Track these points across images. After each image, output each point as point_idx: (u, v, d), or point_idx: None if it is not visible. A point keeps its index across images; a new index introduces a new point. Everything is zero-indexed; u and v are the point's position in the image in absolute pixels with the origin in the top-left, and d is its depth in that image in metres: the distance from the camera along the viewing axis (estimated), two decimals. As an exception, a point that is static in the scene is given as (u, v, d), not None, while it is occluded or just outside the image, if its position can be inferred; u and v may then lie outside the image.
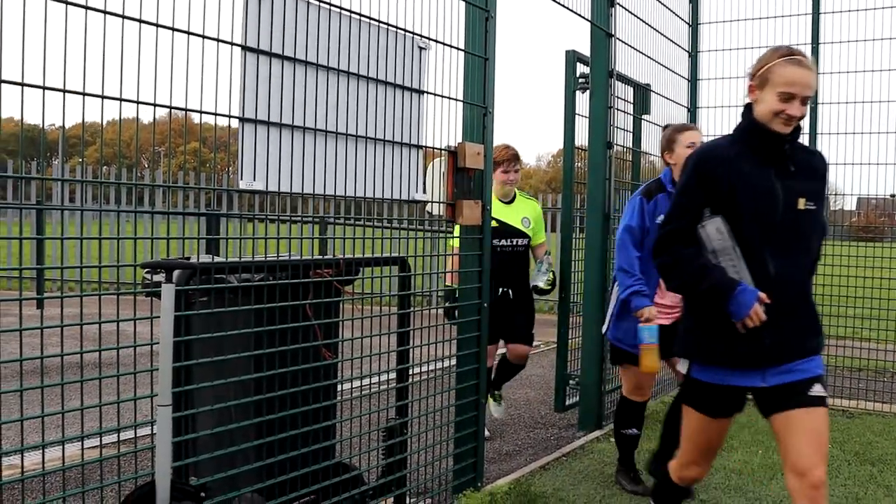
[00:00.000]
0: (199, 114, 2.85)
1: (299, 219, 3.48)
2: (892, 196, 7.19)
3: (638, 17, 6.37)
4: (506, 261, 5.66)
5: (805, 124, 6.91)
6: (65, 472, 2.73)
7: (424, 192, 4.01)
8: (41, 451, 2.39)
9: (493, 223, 4.88)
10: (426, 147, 3.98)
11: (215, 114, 2.90)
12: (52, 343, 8.24)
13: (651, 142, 6.86)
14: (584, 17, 5.67)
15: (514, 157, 5.71)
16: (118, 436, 2.76)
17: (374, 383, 4.23)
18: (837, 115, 6.86)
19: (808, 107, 3.04)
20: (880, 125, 6.70)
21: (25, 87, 2.30)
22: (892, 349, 7.25)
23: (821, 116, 6.98)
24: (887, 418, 6.66)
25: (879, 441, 5.89)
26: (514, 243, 5.77)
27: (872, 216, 9.78)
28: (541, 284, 5.84)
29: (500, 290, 5.65)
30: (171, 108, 2.73)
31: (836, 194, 8.01)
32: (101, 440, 2.78)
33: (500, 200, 5.74)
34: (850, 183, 7.07)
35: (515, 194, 5.90)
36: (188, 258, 3.30)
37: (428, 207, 4.12)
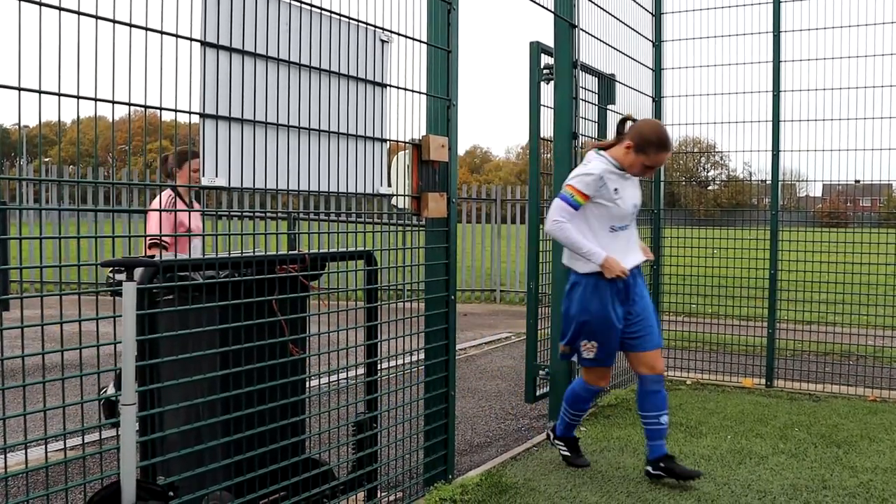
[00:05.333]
0: (159, 111, 2.83)
1: (263, 214, 3.46)
2: (857, 182, 7.28)
3: (601, 8, 6.39)
4: None
5: (768, 112, 7.04)
6: (28, 476, 2.70)
7: (389, 185, 4.00)
8: (3, 454, 2.36)
9: None
10: (390, 140, 3.97)
11: (175, 110, 2.87)
12: (15, 346, 8.13)
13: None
14: (547, 9, 5.67)
15: None
16: (83, 437, 2.73)
17: (342, 378, 4.22)
18: (800, 102, 6.93)
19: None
20: (841, 112, 6.78)
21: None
22: (857, 333, 7.35)
23: (783, 104, 7.05)
24: (852, 401, 6.74)
25: (845, 423, 5.96)
26: None
27: (837, 202, 9.89)
28: None
29: None
30: (129, 104, 2.70)
31: (802, 181, 8.10)
32: (65, 441, 2.75)
33: None
34: (815, 169, 7.15)
35: None
36: (152, 256, 3.28)
37: (393, 201, 4.11)
